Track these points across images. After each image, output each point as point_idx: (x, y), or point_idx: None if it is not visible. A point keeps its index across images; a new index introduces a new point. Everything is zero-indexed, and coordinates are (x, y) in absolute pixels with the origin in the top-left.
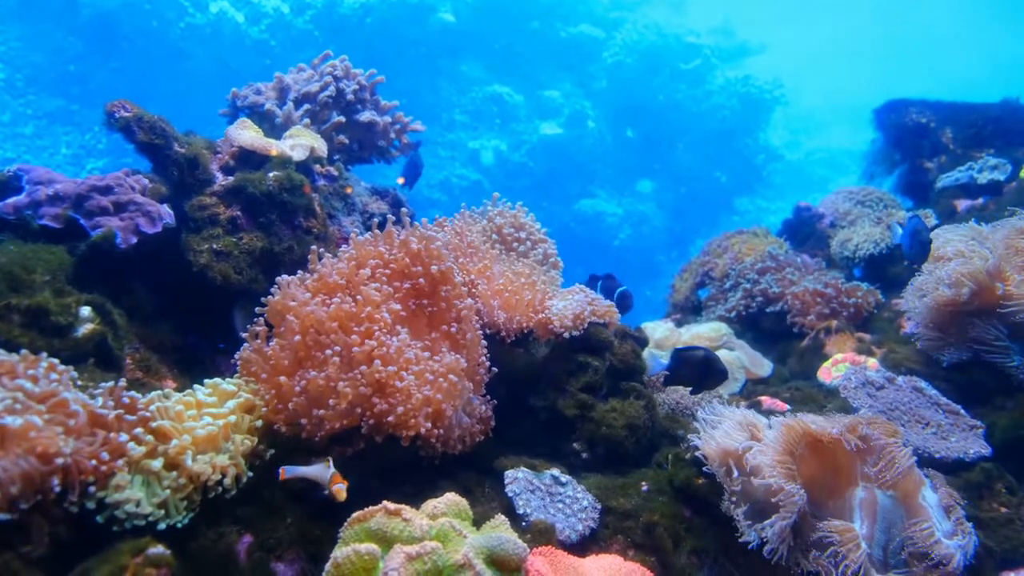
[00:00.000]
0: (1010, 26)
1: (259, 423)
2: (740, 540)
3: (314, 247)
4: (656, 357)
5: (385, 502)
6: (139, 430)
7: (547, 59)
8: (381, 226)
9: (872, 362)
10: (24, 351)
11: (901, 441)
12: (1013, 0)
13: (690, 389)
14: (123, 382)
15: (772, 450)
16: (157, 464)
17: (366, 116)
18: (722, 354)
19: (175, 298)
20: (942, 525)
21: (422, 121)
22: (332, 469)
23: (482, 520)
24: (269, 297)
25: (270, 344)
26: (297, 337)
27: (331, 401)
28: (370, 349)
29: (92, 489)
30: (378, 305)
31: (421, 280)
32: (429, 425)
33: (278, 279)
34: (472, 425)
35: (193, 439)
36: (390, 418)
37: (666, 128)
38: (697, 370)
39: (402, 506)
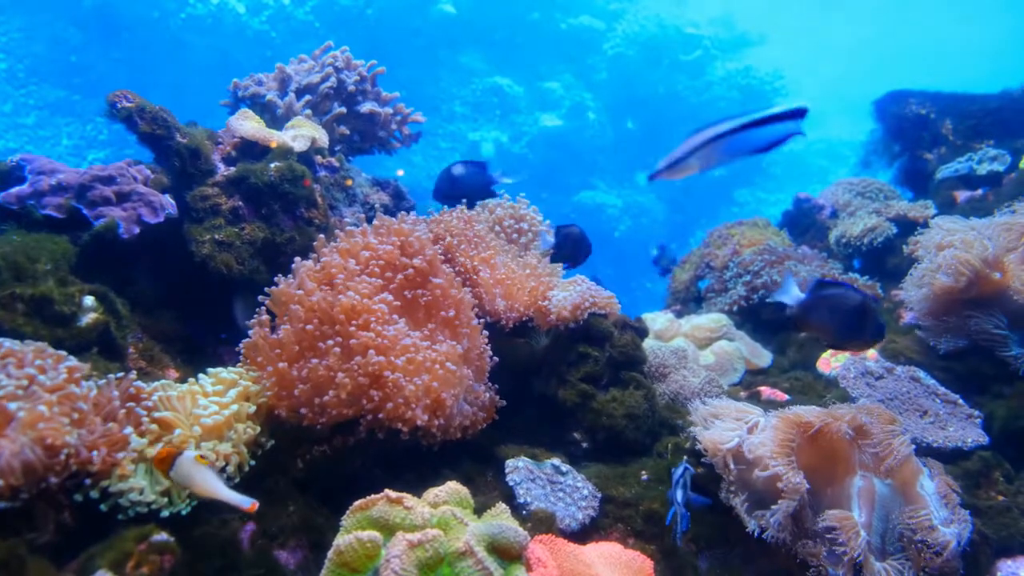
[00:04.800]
0: (1011, 17)
1: (254, 410)
2: (741, 528)
3: (321, 236)
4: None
5: (387, 490)
6: (145, 419)
7: (547, 51)
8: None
9: (871, 353)
10: (29, 340)
11: (899, 430)
12: None
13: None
14: (133, 373)
15: (771, 441)
16: None
17: (367, 107)
18: (722, 345)
19: (177, 288)
20: (939, 513)
21: (423, 112)
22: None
23: (483, 508)
24: (274, 287)
25: (276, 333)
26: (303, 325)
27: (331, 392)
28: (367, 340)
29: (88, 482)
30: (369, 296)
31: (411, 270)
32: (427, 417)
33: (295, 262)
34: (475, 413)
35: (202, 428)
36: (381, 415)
37: (666, 120)
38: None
39: (404, 494)
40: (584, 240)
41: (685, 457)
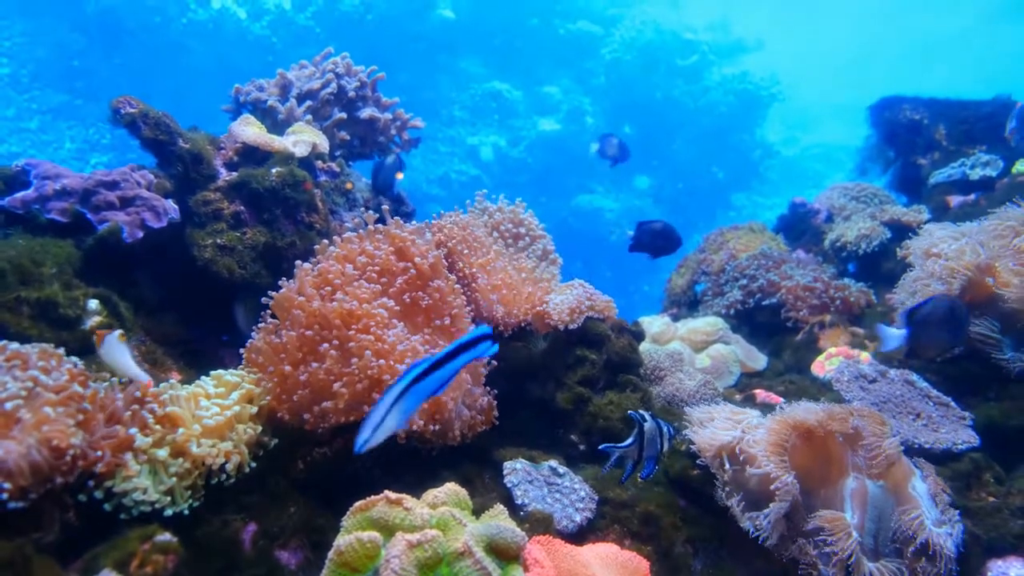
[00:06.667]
0: (1007, 22)
1: (255, 411)
2: (736, 529)
3: (324, 241)
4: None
5: (387, 492)
6: (150, 419)
7: (546, 56)
8: (380, 221)
9: (865, 356)
10: (35, 343)
11: (890, 432)
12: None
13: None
14: None
15: (765, 441)
16: (163, 453)
17: (367, 113)
18: (718, 348)
19: (179, 291)
20: (931, 514)
21: (422, 117)
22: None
23: (481, 510)
24: (277, 291)
25: (278, 337)
26: (304, 330)
27: (328, 403)
28: (366, 343)
29: (92, 483)
30: (368, 301)
31: (413, 270)
32: (422, 423)
33: (296, 266)
34: (473, 416)
35: (203, 428)
36: None
37: (663, 124)
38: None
39: (403, 495)
40: (672, 234)
41: (650, 413)
